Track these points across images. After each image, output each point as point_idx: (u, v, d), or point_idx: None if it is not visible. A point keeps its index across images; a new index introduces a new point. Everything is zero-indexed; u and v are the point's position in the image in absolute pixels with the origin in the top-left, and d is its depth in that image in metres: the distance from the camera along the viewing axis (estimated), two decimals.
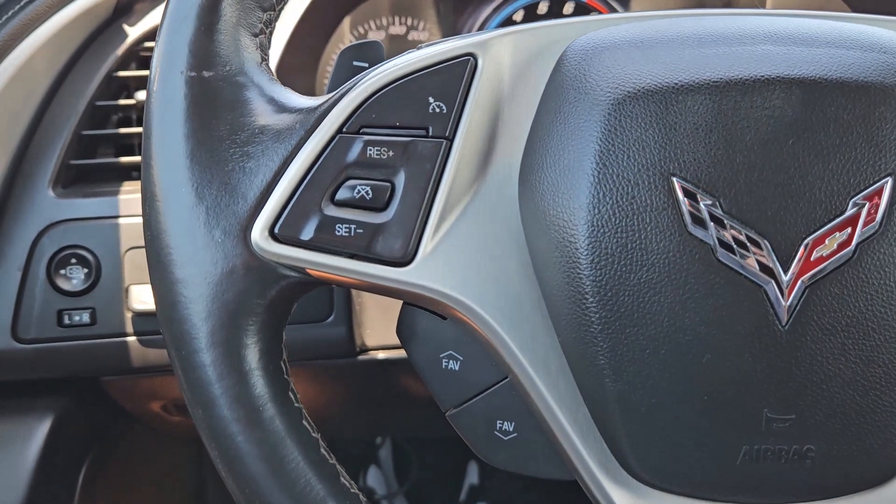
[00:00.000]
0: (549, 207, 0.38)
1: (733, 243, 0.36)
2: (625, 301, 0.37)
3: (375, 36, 0.88)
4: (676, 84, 0.37)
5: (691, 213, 0.36)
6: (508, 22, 0.88)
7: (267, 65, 0.43)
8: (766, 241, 0.36)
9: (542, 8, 0.88)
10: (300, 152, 0.40)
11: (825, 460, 0.37)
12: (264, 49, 0.43)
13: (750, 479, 0.38)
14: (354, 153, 0.40)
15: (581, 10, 0.87)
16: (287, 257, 0.40)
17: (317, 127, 0.40)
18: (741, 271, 0.36)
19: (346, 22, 0.85)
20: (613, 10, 0.87)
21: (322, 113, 0.40)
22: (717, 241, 0.36)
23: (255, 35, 0.42)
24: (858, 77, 0.37)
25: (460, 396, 0.41)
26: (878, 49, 0.38)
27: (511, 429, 0.42)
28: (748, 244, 0.36)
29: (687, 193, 0.36)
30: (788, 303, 0.36)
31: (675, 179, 0.36)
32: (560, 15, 0.87)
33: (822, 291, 0.36)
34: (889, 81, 0.37)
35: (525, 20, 0.88)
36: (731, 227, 0.36)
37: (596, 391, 0.38)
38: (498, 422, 0.41)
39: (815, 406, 0.37)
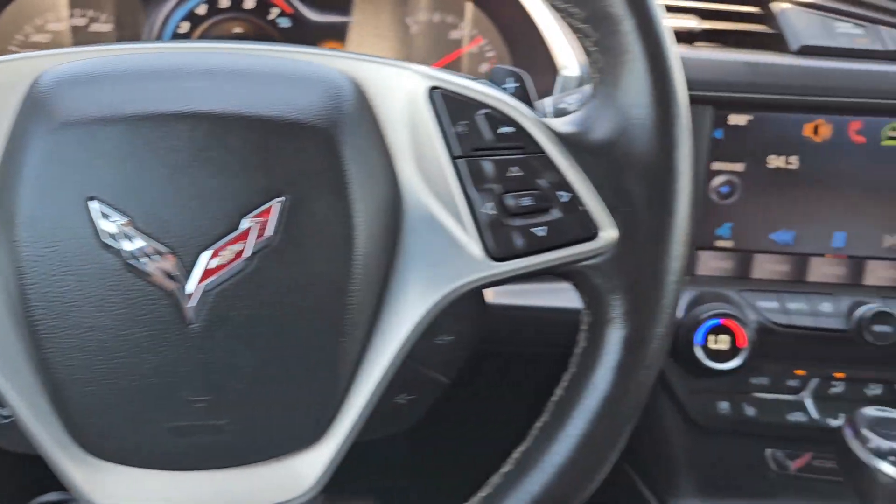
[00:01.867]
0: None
1: (143, 255, 0.42)
2: (57, 307, 0.42)
3: (56, 27, 0.90)
4: (100, 116, 0.42)
5: (106, 231, 0.42)
6: (191, 16, 0.91)
7: None
8: (173, 254, 0.43)
9: (224, 2, 0.92)
10: None
11: (239, 432, 0.45)
12: None
13: (177, 450, 0.45)
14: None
15: (261, 5, 0.92)
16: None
17: None
18: (151, 279, 0.42)
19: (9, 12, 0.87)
20: (292, 6, 0.92)
21: None
22: (129, 254, 0.42)
23: None
24: (257, 111, 0.43)
25: None
26: (281, 83, 0.45)
27: (6, 413, 0.48)
28: (156, 255, 0.42)
29: (103, 213, 0.42)
30: (192, 305, 0.43)
31: (93, 201, 0.42)
32: (240, 8, 0.92)
33: (223, 295, 0.43)
34: (283, 115, 0.44)
35: (208, 14, 0.91)
36: (141, 242, 0.42)
37: (46, 383, 0.44)
38: None
39: (226, 388, 0.44)
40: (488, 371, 0.88)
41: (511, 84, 0.56)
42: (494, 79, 0.56)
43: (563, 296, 0.83)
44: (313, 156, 0.44)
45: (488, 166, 0.47)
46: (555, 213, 0.47)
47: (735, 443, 0.85)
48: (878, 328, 0.76)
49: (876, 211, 0.81)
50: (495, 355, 0.78)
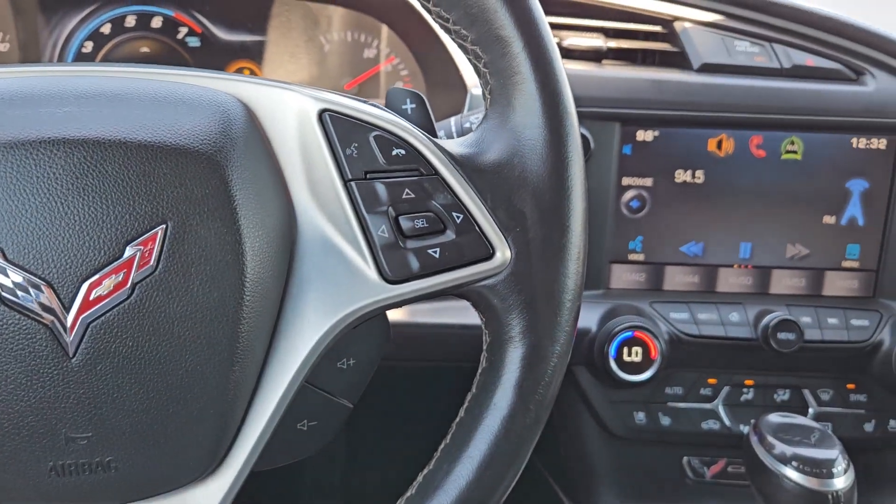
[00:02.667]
0: None
1: (17, 289, 0.41)
2: None
3: None
4: None
5: None
6: (95, 35, 0.89)
7: None
8: (48, 285, 0.41)
9: (130, 21, 0.90)
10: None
11: (127, 467, 0.44)
12: None
13: (61, 489, 0.43)
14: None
15: (169, 24, 0.90)
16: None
17: None
18: (28, 313, 0.41)
19: None
20: (202, 24, 0.91)
21: None
22: (2, 287, 0.41)
23: None
24: (140, 137, 0.42)
25: None
26: (165, 107, 0.44)
27: None
28: (32, 288, 0.41)
29: None
30: (72, 338, 0.41)
31: None
32: (147, 27, 0.90)
33: (105, 327, 0.42)
34: (165, 140, 0.43)
35: (112, 33, 0.89)
36: (15, 274, 0.41)
37: None
38: None
39: (110, 424, 0.43)
40: (398, 388, 0.87)
41: (409, 105, 0.56)
42: (392, 100, 0.56)
43: (470, 313, 0.84)
44: (199, 181, 0.43)
45: (381, 189, 0.47)
46: (449, 235, 0.47)
47: (653, 451, 0.86)
48: (782, 336, 0.78)
49: (778, 222, 0.84)
50: (404, 373, 0.78)
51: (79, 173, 0.41)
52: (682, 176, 0.83)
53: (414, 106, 0.55)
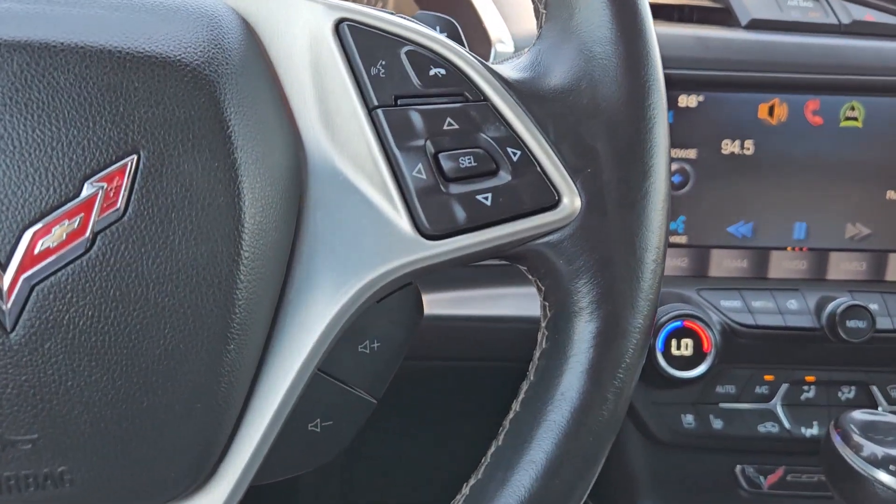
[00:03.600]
0: None
1: None
2: None
3: None
4: None
5: None
6: None
7: None
8: None
9: None
10: None
11: (87, 480, 0.33)
12: None
13: None
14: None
15: None
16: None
17: None
18: None
19: None
20: None
21: None
22: None
23: None
24: (104, 41, 0.32)
25: None
26: (144, 10, 0.34)
27: None
28: None
29: None
30: (10, 305, 0.31)
31: None
32: None
33: (55, 289, 0.31)
34: (142, 47, 0.33)
35: None
36: None
37: None
38: None
39: (62, 422, 0.32)
40: (426, 389, 0.77)
41: (440, 33, 0.46)
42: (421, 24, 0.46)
43: (509, 302, 0.74)
44: (182, 100, 0.32)
45: (417, 118, 0.37)
46: (503, 177, 0.37)
47: (701, 458, 0.76)
48: (851, 324, 0.69)
49: (837, 198, 0.75)
50: (433, 371, 0.68)
51: (19, 85, 0.31)
52: (729, 147, 0.74)
53: (445, 34, 0.45)
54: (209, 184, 0.33)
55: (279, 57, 0.37)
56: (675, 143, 0.73)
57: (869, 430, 0.57)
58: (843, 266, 0.76)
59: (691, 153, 0.74)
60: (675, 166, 0.74)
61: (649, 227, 0.39)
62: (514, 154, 0.37)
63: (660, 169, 0.39)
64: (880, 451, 0.55)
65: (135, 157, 0.31)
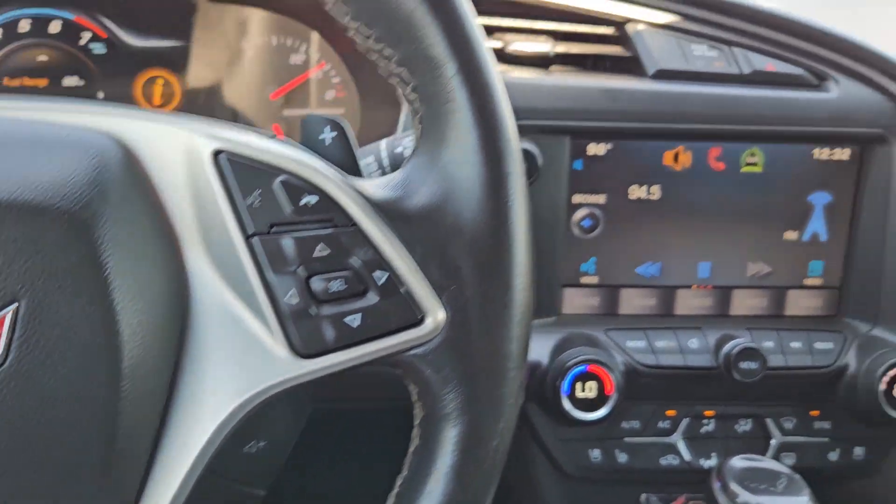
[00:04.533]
0: None
1: None
2: None
3: None
4: None
5: None
6: None
7: None
8: None
9: (24, 26, 0.80)
10: None
11: None
12: None
13: None
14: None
15: (69, 29, 0.81)
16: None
17: None
18: None
19: None
20: (107, 29, 0.81)
21: None
22: None
23: None
24: None
25: None
26: (21, 151, 0.36)
27: None
28: None
29: None
30: None
31: None
32: (45, 33, 0.80)
33: None
34: (18, 196, 0.35)
35: (4, 41, 0.80)
36: None
37: None
38: None
39: None
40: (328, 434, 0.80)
41: (328, 134, 0.48)
42: (308, 129, 0.48)
43: None
44: (59, 247, 0.35)
45: (290, 245, 0.40)
46: (371, 298, 0.40)
47: (608, 490, 0.81)
48: (744, 365, 0.73)
49: (738, 239, 0.79)
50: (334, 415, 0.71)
51: None
52: (636, 192, 0.77)
53: (334, 135, 0.48)
54: (88, 326, 0.35)
55: (161, 185, 0.39)
56: (584, 188, 0.76)
57: (746, 478, 0.61)
58: (745, 302, 0.80)
59: (600, 198, 0.77)
60: (584, 211, 0.77)
61: (510, 339, 0.42)
62: (381, 277, 0.40)
63: (521, 284, 0.42)
64: (753, 499, 0.59)
65: (14, 305, 0.34)
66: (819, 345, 0.77)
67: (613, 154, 0.76)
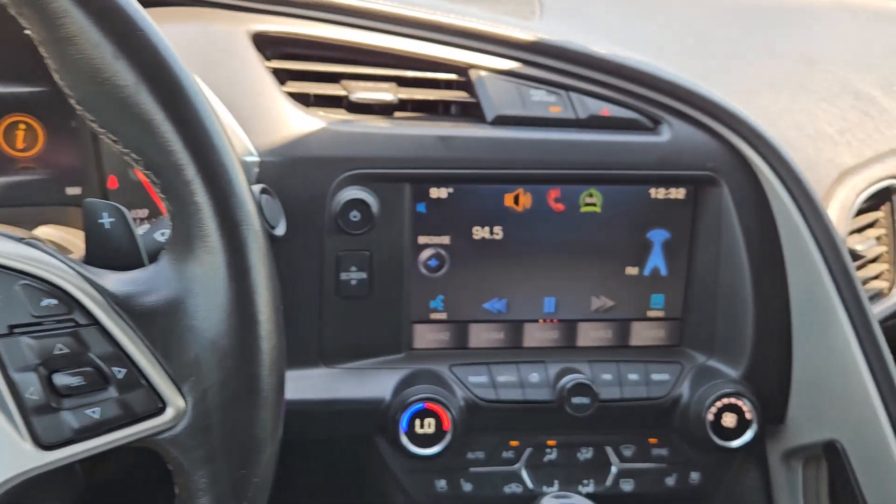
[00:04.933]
0: None
1: None
2: None
3: None
4: None
5: None
6: None
7: None
8: None
9: None
10: None
11: None
12: None
13: None
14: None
15: None
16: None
17: None
18: None
19: None
20: None
21: None
22: None
23: None
24: None
25: None
26: None
27: None
28: None
29: None
30: None
31: None
32: None
33: None
34: None
35: None
36: None
37: None
38: None
39: None
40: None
41: (107, 219, 0.51)
42: (89, 213, 0.51)
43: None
44: None
45: (30, 345, 0.42)
46: (111, 391, 0.43)
47: None
48: (576, 400, 0.77)
49: (582, 275, 0.82)
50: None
51: None
52: (479, 232, 0.80)
53: (113, 220, 0.50)
54: None
55: None
56: (428, 230, 0.79)
57: None
58: (590, 335, 0.84)
59: (445, 239, 0.80)
60: (430, 251, 0.80)
61: (255, 424, 0.45)
62: (121, 371, 0.43)
63: (264, 374, 0.45)
64: None
65: None
66: (656, 376, 0.81)
67: (455, 197, 0.79)
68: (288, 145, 0.72)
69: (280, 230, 0.62)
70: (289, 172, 0.72)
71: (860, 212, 0.91)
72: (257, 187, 0.61)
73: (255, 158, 0.73)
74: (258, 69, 0.75)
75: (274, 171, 0.72)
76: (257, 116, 0.73)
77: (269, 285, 0.45)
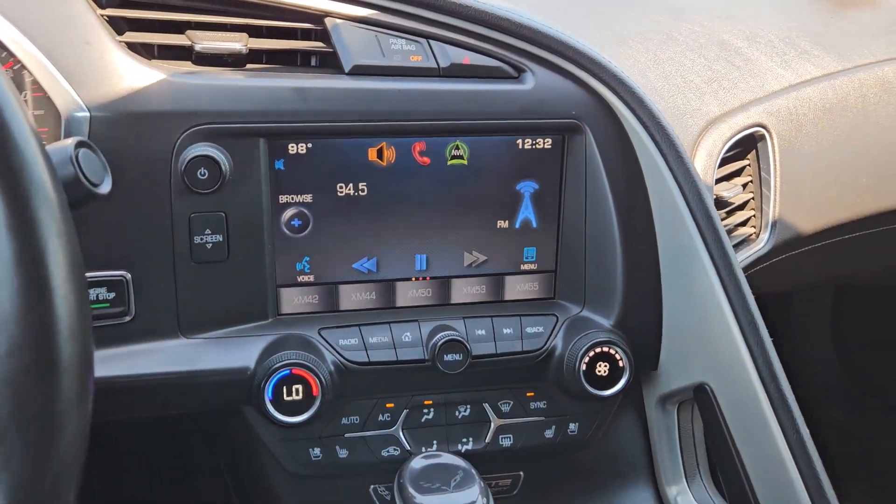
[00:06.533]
0: None
1: None
2: None
3: None
4: None
5: None
6: None
7: None
8: None
9: None
10: None
11: None
12: None
13: None
14: None
15: None
16: None
17: None
18: None
19: None
20: None
21: None
22: None
23: None
24: None
25: None
26: None
27: None
28: None
29: None
30: None
31: None
32: None
33: None
34: None
35: None
36: None
37: None
38: None
39: None
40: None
41: None
42: None
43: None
44: None
45: None
46: None
47: (338, 484, 0.82)
48: (448, 357, 0.75)
49: (452, 230, 0.80)
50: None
51: None
52: (344, 189, 0.77)
53: None
54: None
55: None
56: (289, 188, 0.75)
57: (423, 478, 0.63)
58: (464, 291, 0.82)
59: (308, 197, 0.76)
60: (292, 211, 0.76)
61: (49, 400, 0.40)
62: None
63: (54, 340, 0.40)
64: (426, 499, 0.61)
65: None
66: (530, 329, 0.80)
67: (315, 153, 0.75)
68: (123, 99, 0.66)
69: (105, 188, 0.57)
70: (125, 129, 0.67)
71: (728, 160, 0.93)
72: (71, 140, 0.56)
73: (85, 113, 0.67)
74: (89, 17, 0.69)
75: (108, 127, 0.66)
76: (87, 68, 0.67)
77: (62, 243, 0.41)
